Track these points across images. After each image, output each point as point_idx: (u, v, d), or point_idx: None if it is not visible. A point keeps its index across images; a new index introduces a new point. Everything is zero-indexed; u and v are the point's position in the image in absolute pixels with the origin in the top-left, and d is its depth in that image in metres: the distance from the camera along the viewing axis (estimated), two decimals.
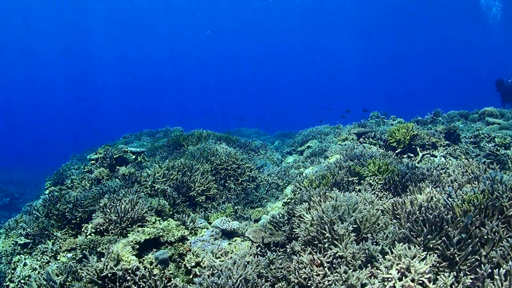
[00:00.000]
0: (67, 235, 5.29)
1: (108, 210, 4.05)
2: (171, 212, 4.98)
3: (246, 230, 4.56)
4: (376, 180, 5.16)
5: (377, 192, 4.94)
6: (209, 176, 6.10)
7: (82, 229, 4.46)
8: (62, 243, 4.54)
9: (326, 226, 3.53)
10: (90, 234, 4.07)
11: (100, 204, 4.41)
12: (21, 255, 4.96)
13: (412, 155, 7.50)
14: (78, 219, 5.00)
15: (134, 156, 7.64)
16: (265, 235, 4.19)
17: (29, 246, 5.14)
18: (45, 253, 4.82)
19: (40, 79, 72.08)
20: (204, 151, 7.13)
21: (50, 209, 5.74)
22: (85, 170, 7.04)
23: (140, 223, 3.96)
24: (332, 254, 3.32)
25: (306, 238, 3.59)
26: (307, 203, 4.17)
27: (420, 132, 7.89)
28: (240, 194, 6.46)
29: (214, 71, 78.92)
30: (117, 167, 6.73)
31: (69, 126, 71.19)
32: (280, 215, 4.36)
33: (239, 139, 9.43)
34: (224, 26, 53.92)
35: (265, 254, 3.65)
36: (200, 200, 5.57)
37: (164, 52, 65.22)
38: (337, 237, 3.48)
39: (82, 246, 3.59)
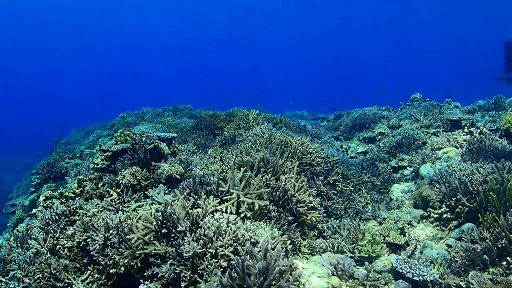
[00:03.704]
0: (96, 286, 3.07)
1: (230, 279, 1.86)
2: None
3: (446, 279, 2.60)
4: None
5: None
6: (304, 178, 4.02)
7: None
8: None
9: None
10: None
11: (185, 254, 2.22)
12: None
13: None
14: (121, 268, 2.77)
15: (165, 145, 5.34)
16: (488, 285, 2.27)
17: None
18: None
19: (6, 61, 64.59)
20: (275, 140, 4.98)
21: (57, 238, 3.45)
22: (98, 165, 4.68)
23: (287, 285, 1.87)
24: None
25: None
26: None
27: None
28: (340, 201, 4.46)
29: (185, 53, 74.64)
30: (152, 163, 4.45)
31: (41, 107, 64.89)
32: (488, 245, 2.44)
33: (290, 122, 7.31)
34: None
35: None
36: (313, 219, 3.50)
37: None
38: None
39: None
